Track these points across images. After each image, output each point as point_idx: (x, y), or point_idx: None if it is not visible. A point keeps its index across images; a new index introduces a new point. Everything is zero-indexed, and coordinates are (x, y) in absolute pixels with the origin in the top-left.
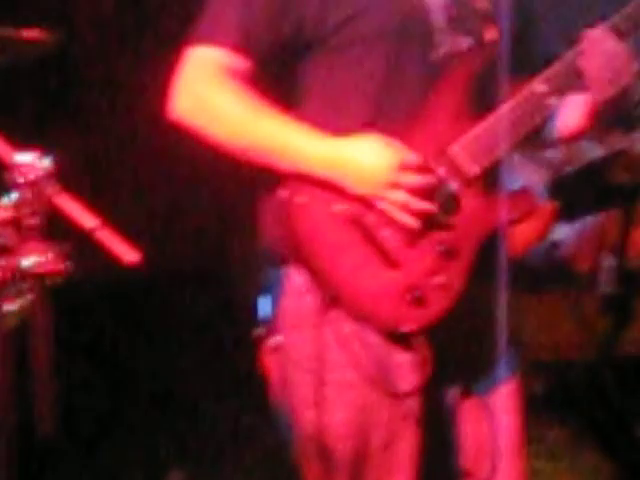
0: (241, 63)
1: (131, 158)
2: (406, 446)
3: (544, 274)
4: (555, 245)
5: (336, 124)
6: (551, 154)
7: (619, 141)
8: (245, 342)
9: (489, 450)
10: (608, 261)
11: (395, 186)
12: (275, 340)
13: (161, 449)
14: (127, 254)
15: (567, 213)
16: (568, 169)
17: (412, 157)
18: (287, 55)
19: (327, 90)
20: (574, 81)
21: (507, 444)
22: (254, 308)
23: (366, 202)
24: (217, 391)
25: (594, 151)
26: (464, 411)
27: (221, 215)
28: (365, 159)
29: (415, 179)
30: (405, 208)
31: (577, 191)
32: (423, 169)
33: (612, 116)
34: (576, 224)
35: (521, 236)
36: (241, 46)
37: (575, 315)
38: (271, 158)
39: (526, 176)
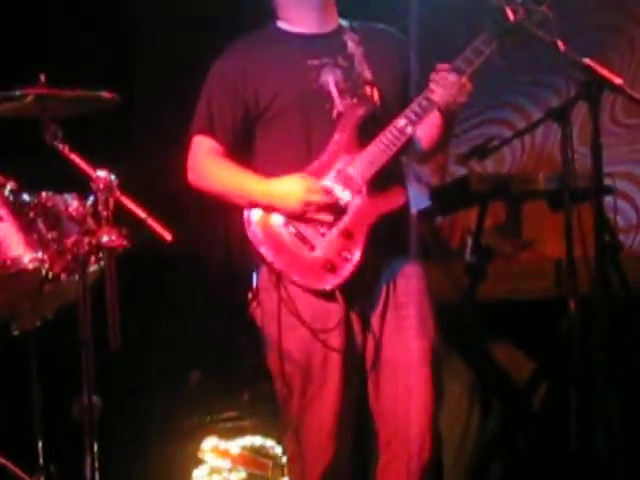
0: (216, 143)
1: (165, 176)
2: (335, 365)
3: (431, 249)
4: (435, 232)
5: (275, 169)
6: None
7: (476, 165)
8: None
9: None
10: (469, 241)
11: (308, 204)
12: (255, 300)
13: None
14: (166, 235)
15: (444, 210)
16: (445, 182)
17: (316, 183)
18: (245, 133)
19: (267, 148)
20: (427, 109)
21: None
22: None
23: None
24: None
25: (461, 171)
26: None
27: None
28: (286, 189)
29: (319, 198)
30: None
31: (450, 196)
32: (324, 189)
33: (453, 126)
34: (448, 217)
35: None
36: (211, 132)
37: (449, 275)
38: (240, 199)
39: (414, 191)
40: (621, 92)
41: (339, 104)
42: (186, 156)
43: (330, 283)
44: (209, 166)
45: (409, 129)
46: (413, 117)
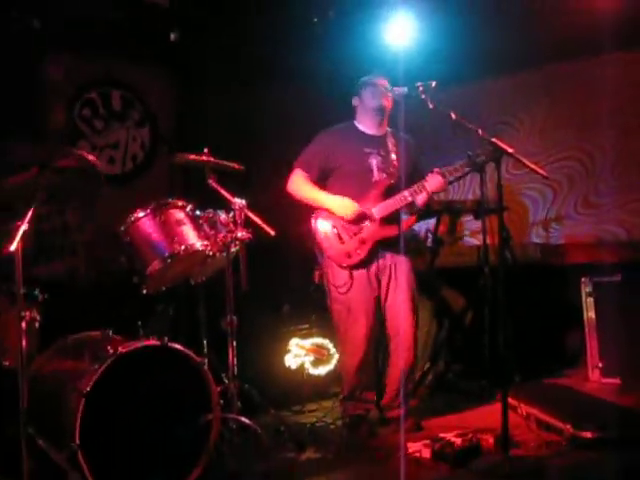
0: (307, 175)
1: (271, 200)
2: (362, 307)
3: (409, 241)
4: (414, 233)
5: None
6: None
7: (434, 195)
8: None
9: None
10: (430, 235)
11: (345, 210)
12: (319, 271)
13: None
14: (271, 232)
15: (417, 219)
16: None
17: (358, 209)
18: (323, 175)
19: (333, 188)
20: (421, 191)
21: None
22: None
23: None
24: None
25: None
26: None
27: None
28: (336, 200)
29: (349, 213)
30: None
31: (420, 214)
32: (356, 210)
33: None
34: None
35: (403, 228)
36: (306, 170)
37: (420, 254)
38: (315, 204)
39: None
40: (512, 156)
41: (376, 176)
42: (288, 176)
43: (346, 263)
44: (298, 184)
45: (409, 198)
46: (413, 193)
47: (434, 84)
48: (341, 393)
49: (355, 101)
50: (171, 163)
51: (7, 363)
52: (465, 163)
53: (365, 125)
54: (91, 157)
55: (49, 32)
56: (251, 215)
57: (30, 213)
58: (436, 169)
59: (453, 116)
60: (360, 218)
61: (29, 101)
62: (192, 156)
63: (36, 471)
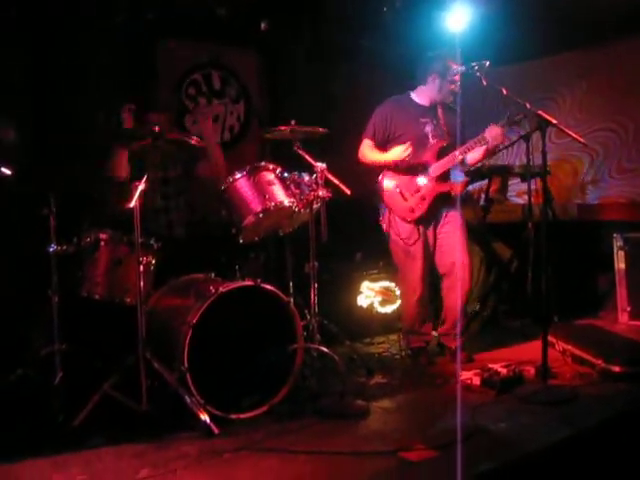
0: (372, 144)
1: (347, 164)
2: (419, 250)
3: (464, 200)
4: (468, 192)
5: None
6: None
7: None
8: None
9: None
10: (483, 195)
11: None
12: (383, 222)
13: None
14: (347, 191)
15: (471, 181)
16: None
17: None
18: (385, 141)
19: None
20: (475, 147)
21: (460, 245)
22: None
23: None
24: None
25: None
26: (440, 233)
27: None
28: (395, 150)
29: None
30: None
31: (474, 175)
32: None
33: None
34: (473, 185)
35: (459, 189)
36: (371, 138)
37: (474, 211)
38: (382, 163)
39: (457, 173)
40: (555, 126)
41: (431, 140)
42: (358, 147)
43: (410, 217)
44: (366, 152)
45: (460, 157)
46: (464, 152)
47: (487, 64)
48: (402, 327)
49: (431, 78)
50: (264, 135)
51: (128, 300)
52: (507, 120)
53: (421, 98)
54: (194, 139)
55: (161, 23)
56: (330, 177)
57: (146, 176)
58: (493, 124)
59: (504, 92)
60: (416, 165)
61: (146, 83)
62: (282, 127)
63: (151, 390)
